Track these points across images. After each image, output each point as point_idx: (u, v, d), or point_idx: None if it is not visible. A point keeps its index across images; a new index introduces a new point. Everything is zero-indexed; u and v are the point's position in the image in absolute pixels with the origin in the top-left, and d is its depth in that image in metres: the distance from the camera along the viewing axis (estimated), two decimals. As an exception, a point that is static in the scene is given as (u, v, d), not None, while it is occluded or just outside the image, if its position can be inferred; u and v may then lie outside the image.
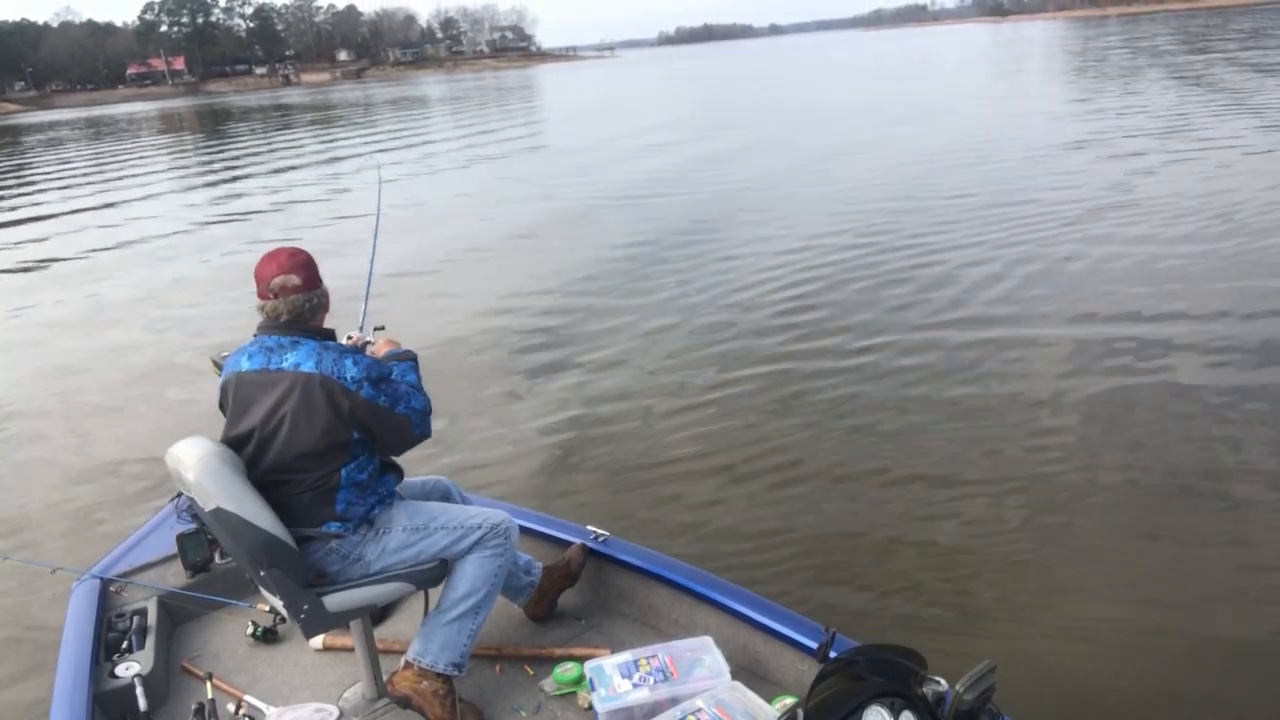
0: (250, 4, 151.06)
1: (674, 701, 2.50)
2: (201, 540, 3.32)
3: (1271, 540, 3.99)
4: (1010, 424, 5.26)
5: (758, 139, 18.97)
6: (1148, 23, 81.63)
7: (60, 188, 22.70)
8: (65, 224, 16.55)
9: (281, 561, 2.43)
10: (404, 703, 2.67)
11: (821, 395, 5.90)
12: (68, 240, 14.80)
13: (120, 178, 23.94)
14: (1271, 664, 3.27)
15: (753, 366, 6.49)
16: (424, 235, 12.29)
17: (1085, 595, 3.72)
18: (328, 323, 2.69)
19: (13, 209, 19.53)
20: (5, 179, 26.63)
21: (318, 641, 3.07)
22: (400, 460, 2.79)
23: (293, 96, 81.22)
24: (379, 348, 2.89)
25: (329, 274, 2.68)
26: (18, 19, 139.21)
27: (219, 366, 3.16)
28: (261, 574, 2.44)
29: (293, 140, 31.82)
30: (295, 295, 2.55)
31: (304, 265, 2.58)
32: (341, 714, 2.76)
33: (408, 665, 2.69)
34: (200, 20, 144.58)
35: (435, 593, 2.75)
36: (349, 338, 2.98)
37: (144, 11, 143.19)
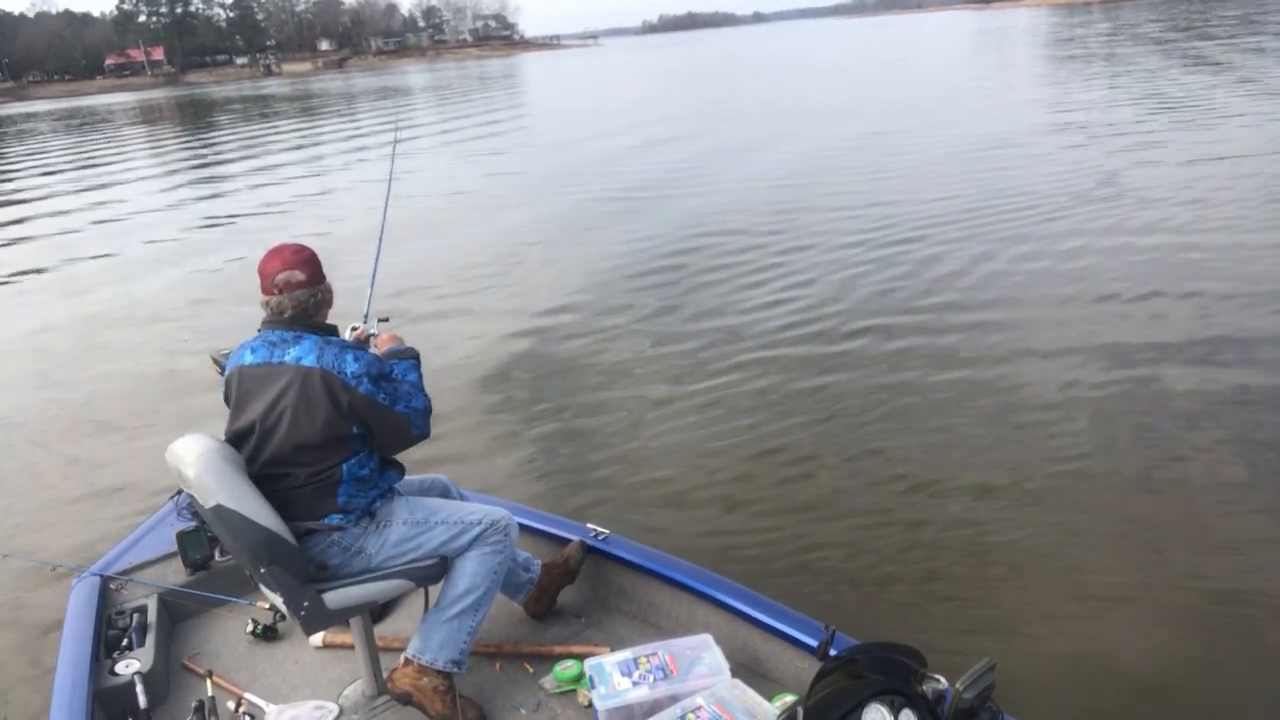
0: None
1: (674, 699, 2.51)
2: (201, 538, 3.32)
3: (1274, 539, 3.99)
4: (1011, 423, 5.25)
5: (749, 139, 18.90)
6: (1131, 9, 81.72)
7: (41, 177, 22.48)
8: (54, 220, 16.46)
9: (282, 559, 2.44)
10: (404, 699, 2.68)
11: (818, 393, 5.89)
12: (63, 238, 14.72)
13: (100, 168, 23.72)
14: (1272, 663, 3.28)
15: (750, 365, 6.48)
16: (416, 234, 12.24)
17: (1086, 594, 3.72)
18: (330, 318, 2.71)
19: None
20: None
21: (317, 639, 3.08)
22: (399, 458, 2.80)
23: (274, 87, 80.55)
24: (382, 342, 2.91)
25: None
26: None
27: (219, 364, 3.16)
28: (262, 571, 2.44)
29: (276, 131, 31.59)
30: (299, 291, 2.57)
31: (308, 261, 2.60)
32: (341, 711, 2.77)
33: (407, 662, 2.69)
34: (179, 10, 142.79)
35: (435, 590, 2.76)
36: (353, 329, 2.99)
37: (121, 2, 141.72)
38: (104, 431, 6.44)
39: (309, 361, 2.51)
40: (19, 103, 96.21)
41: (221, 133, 33.64)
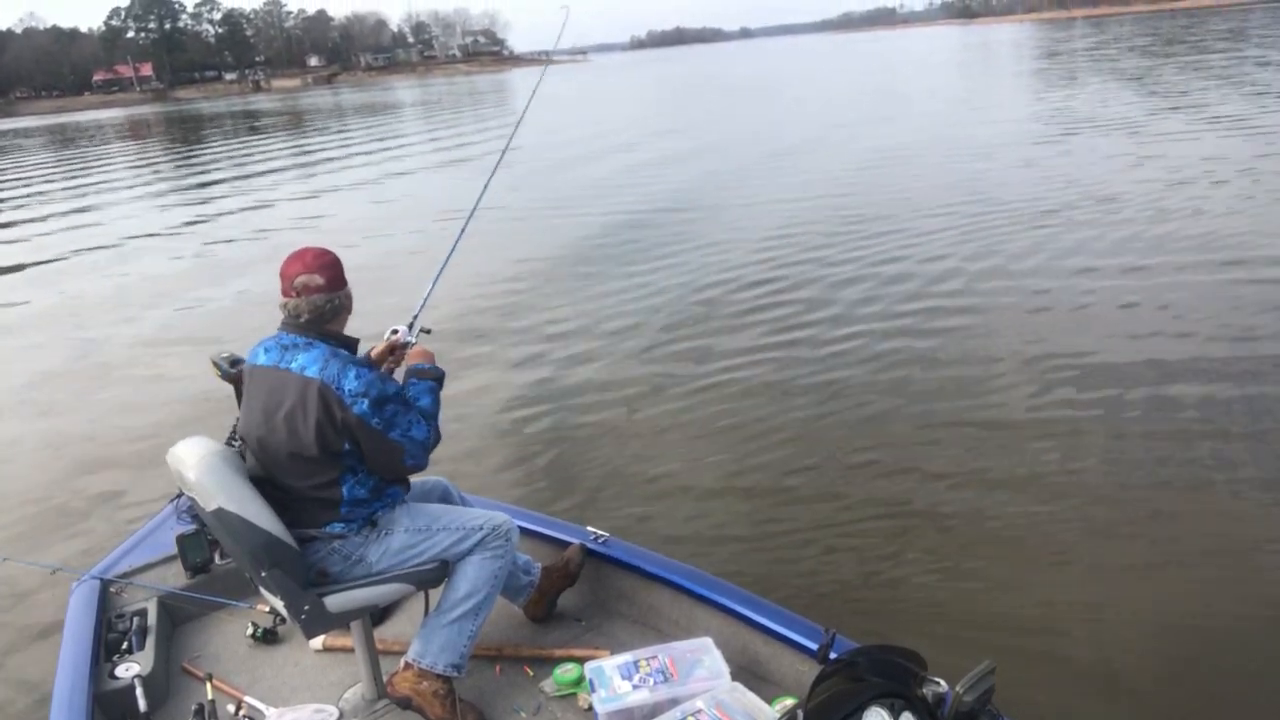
0: (219, 9, 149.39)
1: (674, 702, 2.51)
2: (201, 541, 3.32)
3: (1276, 536, 4.00)
4: (1011, 423, 5.26)
5: (744, 161, 19.04)
6: (1115, 25, 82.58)
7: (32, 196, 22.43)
8: (49, 233, 16.44)
9: (283, 562, 2.44)
10: (404, 703, 2.68)
11: (815, 397, 5.90)
12: (55, 249, 14.74)
13: (87, 185, 23.69)
14: (1274, 664, 3.28)
15: (747, 370, 6.49)
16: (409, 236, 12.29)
17: (1086, 596, 3.72)
18: (379, 321, 2.71)
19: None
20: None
21: (318, 642, 3.08)
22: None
23: (264, 103, 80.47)
24: (414, 354, 2.85)
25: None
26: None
27: (219, 367, 3.17)
28: (263, 574, 2.45)
29: (267, 148, 31.54)
30: (316, 295, 2.55)
31: (329, 266, 2.58)
32: (341, 715, 2.77)
33: (407, 666, 2.69)
34: (168, 26, 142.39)
35: (435, 593, 2.76)
36: (392, 332, 2.94)
37: (110, 17, 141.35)
38: (104, 433, 6.44)
39: (312, 372, 2.49)
40: (6, 119, 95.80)
41: (212, 148, 33.58)
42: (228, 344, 3.83)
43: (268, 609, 3.17)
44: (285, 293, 2.58)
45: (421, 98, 65.67)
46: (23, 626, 4.14)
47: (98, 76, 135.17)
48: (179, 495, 3.31)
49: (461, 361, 7.04)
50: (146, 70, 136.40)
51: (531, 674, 2.92)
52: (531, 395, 6.41)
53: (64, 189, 23.41)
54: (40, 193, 23.12)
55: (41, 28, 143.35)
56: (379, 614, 3.18)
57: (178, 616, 3.30)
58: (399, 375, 2.83)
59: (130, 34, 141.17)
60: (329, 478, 2.55)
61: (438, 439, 2.66)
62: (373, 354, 2.87)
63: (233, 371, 3.18)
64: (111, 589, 3.26)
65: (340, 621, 2.61)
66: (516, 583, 3.08)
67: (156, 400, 6.97)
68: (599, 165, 18.83)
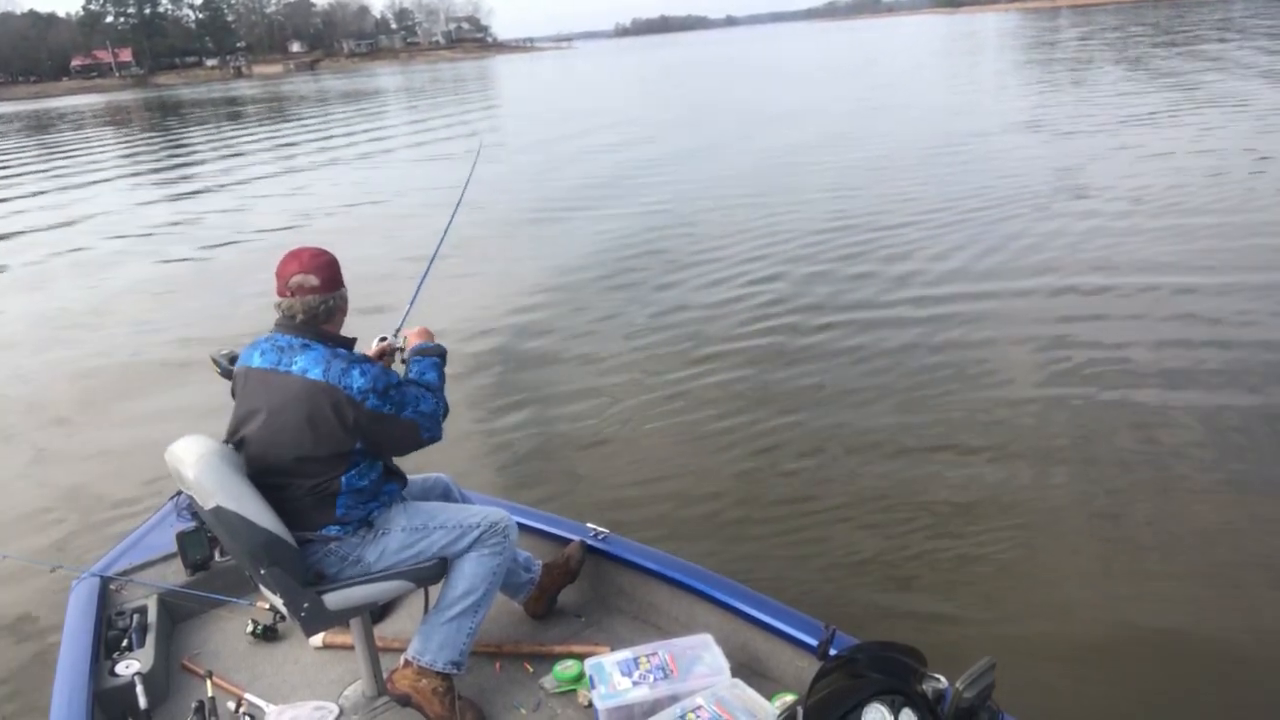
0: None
1: (674, 699, 2.51)
2: (201, 538, 3.32)
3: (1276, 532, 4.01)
4: (1010, 421, 5.25)
5: (724, 139, 19.01)
6: (1100, 14, 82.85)
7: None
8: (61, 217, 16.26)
9: (282, 560, 2.44)
10: (404, 701, 2.68)
11: (814, 390, 5.91)
12: (62, 234, 14.59)
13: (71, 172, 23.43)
14: (1274, 659, 3.29)
15: (744, 365, 6.49)
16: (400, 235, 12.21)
17: (1086, 593, 3.72)
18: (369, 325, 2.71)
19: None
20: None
21: (317, 639, 3.07)
22: (401, 465, 2.80)
23: (245, 89, 79.84)
24: (411, 336, 2.87)
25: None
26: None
27: (218, 364, 3.16)
28: (262, 572, 2.44)
29: (250, 134, 31.30)
30: (311, 296, 2.54)
31: (325, 266, 2.57)
32: (341, 712, 2.77)
33: (407, 664, 2.69)
34: (147, 11, 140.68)
35: (435, 590, 2.76)
36: (380, 340, 2.95)
37: (88, 2, 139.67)
38: (102, 431, 6.43)
39: (315, 375, 2.48)
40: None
41: (192, 135, 33.29)
42: (226, 341, 3.82)
43: (268, 606, 3.17)
44: (280, 292, 2.56)
45: (404, 84, 65.24)
46: (22, 624, 4.14)
47: (76, 62, 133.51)
48: (179, 493, 3.30)
49: (459, 363, 7.04)
50: (126, 56, 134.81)
51: (531, 670, 2.93)
52: (532, 394, 6.41)
53: (43, 174, 23.15)
54: (22, 177, 22.87)
55: (18, 12, 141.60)
56: (379, 611, 3.18)
57: (178, 614, 3.30)
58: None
59: (109, 19, 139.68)
60: (330, 475, 2.54)
61: (446, 410, 2.69)
62: (369, 354, 2.87)
63: (232, 369, 3.16)
64: (111, 586, 3.26)
65: (340, 619, 2.61)
66: (517, 580, 3.08)
67: (154, 398, 6.95)
68: (585, 157, 18.73)
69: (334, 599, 2.55)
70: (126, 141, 33.51)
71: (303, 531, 2.55)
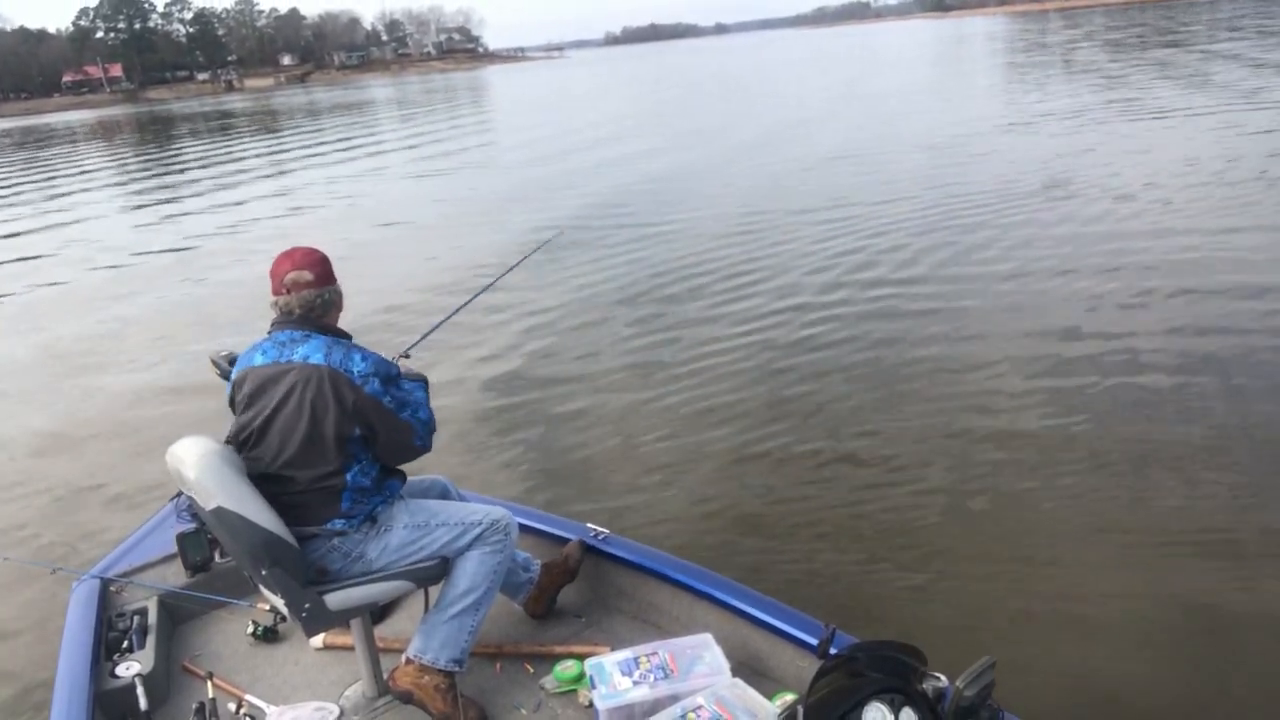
0: (189, 9, 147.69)
1: (674, 699, 2.51)
2: (202, 539, 3.32)
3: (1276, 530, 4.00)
4: (1013, 418, 5.25)
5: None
6: (1089, 16, 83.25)
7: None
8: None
9: (283, 560, 2.44)
10: (405, 698, 2.69)
11: (812, 390, 5.91)
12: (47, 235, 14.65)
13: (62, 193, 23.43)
14: (1274, 661, 3.29)
15: (741, 363, 6.50)
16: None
17: (1086, 590, 3.72)
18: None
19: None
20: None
21: (318, 640, 3.08)
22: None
23: (237, 103, 79.80)
24: (402, 362, 2.92)
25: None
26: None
27: (218, 365, 3.16)
28: (263, 573, 2.45)
29: (239, 149, 31.24)
30: (306, 291, 2.59)
31: (318, 263, 2.63)
32: (342, 712, 2.77)
33: (409, 661, 2.70)
34: (138, 26, 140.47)
35: (435, 590, 2.76)
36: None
37: (78, 18, 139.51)
38: (103, 433, 6.43)
39: (317, 359, 2.52)
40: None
41: (184, 149, 33.27)
42: (225, 342, 3.84)
43: (268, 607, 3.17)
44: (276, 291, 2.61)
45: (396, 96, 65.25)
46: (23, 626, 4.14)
47: (67, 77, 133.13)
48: (179, 494, 3.31)
49: (456, 362, 7.06)
50: (116, 71, 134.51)
51: (532, 671, 2.93)
52: (531, 395, 6.42)
53: (39, 190, 23.16)
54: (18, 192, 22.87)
55: (8, 29, 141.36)
56: (379, 612, 3.18)
57: (178, 615, 3.30)
58: None
59: (99, 34, 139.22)
60: (334, 467, 2.55)
61: (435, 425, 2.74)
62: None
63: (231, 369, 3.17)
64: (112, 588, 3.26)
65: (340, 619, 2.61)
66: (516, 580, 3.09)
67: (154, 399, 6.95)
68: (576, 158, 18.80)
69: (335, 599, 2.55)
70: (116, 157, 33.48)
71: (307, 527, 2.56)
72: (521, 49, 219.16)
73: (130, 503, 5.24)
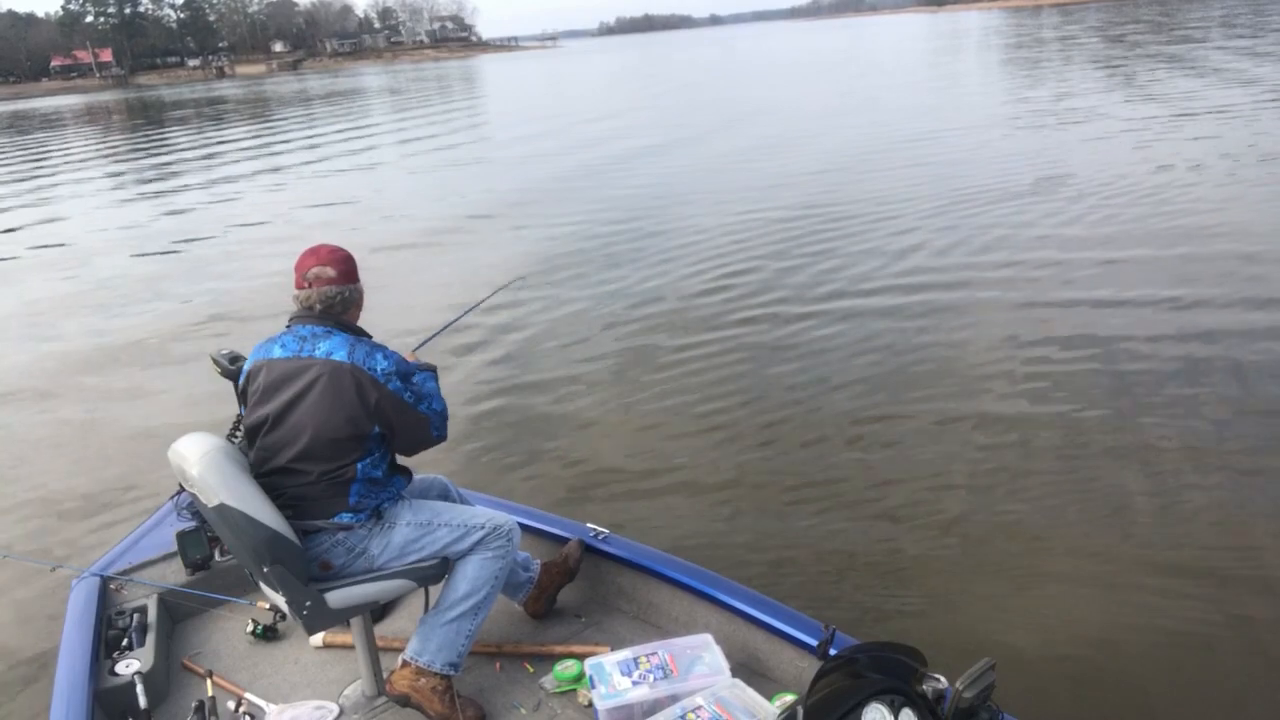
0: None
1: (674, 699, 2.52)
2: (201, 538, 3.32)
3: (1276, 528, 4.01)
4: (1014, 418, 5.25)
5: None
6: (1084, 11, 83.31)
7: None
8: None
9: (285, 558, 2.44)
10: (403, 701, 2.70)
11: (812, 390, 5.91)
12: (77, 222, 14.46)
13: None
14: (1274, 660, 3.29)
15: (742, 358, 6.50)
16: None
17: (1087, 593, 3.72)
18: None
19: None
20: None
21: (318, 639, 3.08)
22: (408, 464, 2.83)
23: (228, 89, 79.40)
24: (410, 355, 2.93)
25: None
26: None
27: (219, 364, 3.16)
28: (264, 570, 2.45)
29: (232, 137, 31.06)
30: (328, 286, 2.62)
31: (342, 260, 2.66)
32: (341, 711, 2.78)
33: (405, 664, 2.71)
34: (128, 11, 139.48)
35: (435, 590, 2.77)
36: None
37: (68, 2, 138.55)
38: (102, 430, 6.41)
39: (339, 356, 2.55)
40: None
41: (174, 136, 33.06)
42: (226, 339, 3.83)
43: (268, 606, 3.17)
44: (299, 285, 2.65)
45: (389, 84, 64.94)
46: (23, 624, 4.13)
47: (56, 62, 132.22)
48: (179, 492, 3.31)
49: (456, 363, 7.07)
50: (106, 56, 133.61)
51: (531, 670, 2.93)
52: (530, 397, 6.41)
53: (25, 177, 22.98)
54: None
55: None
56: (379, 611, 3.19)
57: (178, 613, 3.30)
58: None
59: (89, 19, 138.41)
60: (347, 461, 2.57)
61: (448, 414, 2.79)
62: None
63: (232, 368, 3.18)
64: (111, 586, 3.27)
65: (341, 618, 2.61)
66: (515, 579, 3.09)
67: (156, 396, 6.94)
68: (572, 155, 18.75)
69: (336, 598, 2.56)
70: (121, 142, 33.26)
71: (314, 520, 2.57)
72: (515, 39, 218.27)
73: (130, 501, 5.24)
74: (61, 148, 31.92)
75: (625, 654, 2.73)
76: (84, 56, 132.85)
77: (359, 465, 2.60)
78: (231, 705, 2.80)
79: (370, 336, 2.71)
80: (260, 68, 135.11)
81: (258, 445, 2.61)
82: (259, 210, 15.15)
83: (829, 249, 9.33)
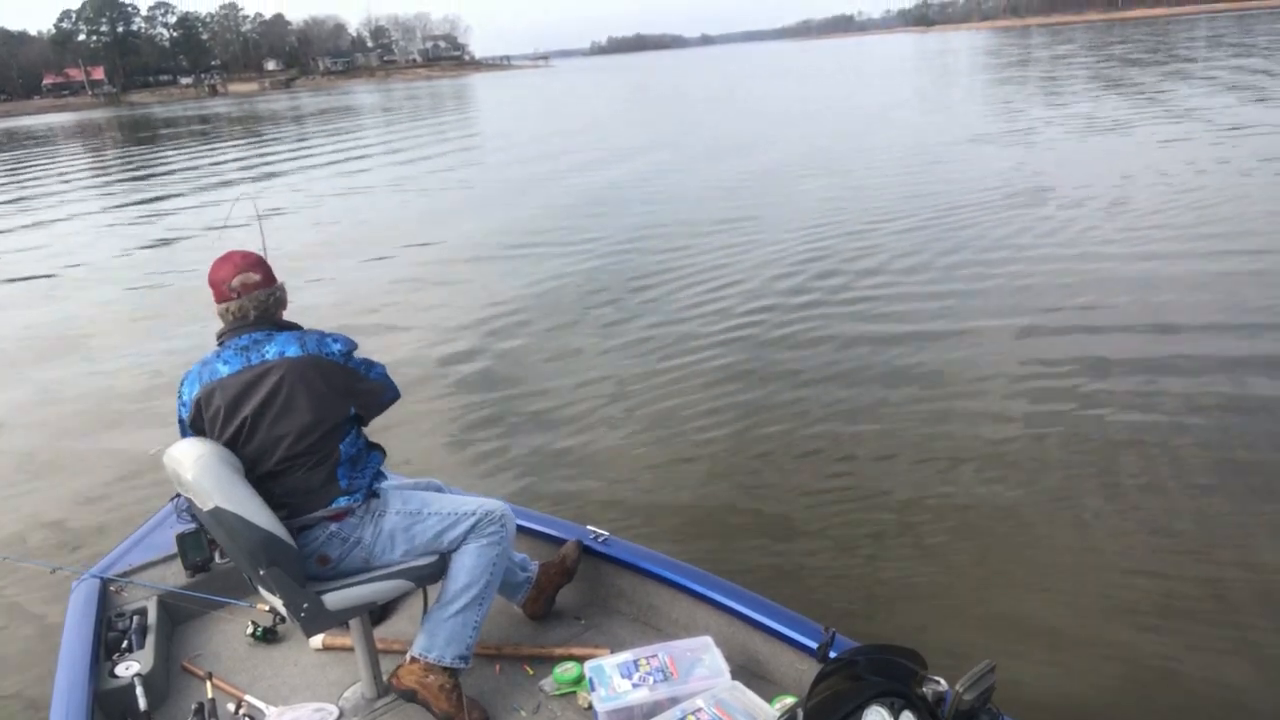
0: (174, 13, 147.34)
1: (674, 701, 2.51)
2: (201, 540, 3.32)
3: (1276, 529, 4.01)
4: (1009, 424, 5.26)
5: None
6: (1071, 32, 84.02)
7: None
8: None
9: (281, 560, 2.44)
10: (409, 696, 2.68)
11: (811, 391, 5.92)
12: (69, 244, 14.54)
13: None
14: (1274, 660, 3.28)
15: (742, 358, 6.51)
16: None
17: (1088, 595, 3.72)
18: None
19: None
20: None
21: (317, 641, 3.08)
22: (385, 466, 2.85)
23: (220, 107, 79.45)
24: None
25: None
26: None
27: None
28: (261, 573, 2.45)
29: (226, 155, 31.01)
30: (258, 291, 2.61)
31: (259, 263, 2.65)
32: (341, 713, 2.77)
33: (413, 660, 2.69)
34: (121, 29, 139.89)
35: (434, 591, 2.77)
36: None
37: (60, 20, 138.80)
38: (103, 434, 6.41)
39: (293, 352, 2.55)
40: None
41: (166, 154, 33.04)
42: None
43: (267, 608, 3.17)
44: (223, 297, 2.61)
45: (382, 103, 65.03)
46: (22, 625, 4.13)
47: (48, 80, 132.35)
48: (178, 495, 3.30)
49: (448, 362, 7.07)
50: (98, 74, 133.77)
51: (531, 673, 2.93)
52: (529, 399, 6.41)
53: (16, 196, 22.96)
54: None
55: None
56: (378, 613, 3.18)
57: (177, 615, 3.30)
58: None
59: (81, 37, 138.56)
60: (330, 447, 2.59)
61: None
62: None
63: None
64: (111, 588, 3.26)
65: (339, 619, 2.61)
66: (514, 579, 3.09)
67: (154, 399, 6.92)
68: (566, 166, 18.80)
69: (334, 599, 2.55)
70: (114, 161, 33.16)
71: (310, 514, 2.57)
72: (507, 57, 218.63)
73: (129, 503, 5.23)
74: (49, 164, 31.85)
75: (625, 656, 2.72)
76: (76, 74, 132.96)
77: (340, 447, 2.62)
78: (231, 707, 2.80)
79: (303, 328, 2.70)
80: (253, 86, 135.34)
81: (240, 457, 2.60)
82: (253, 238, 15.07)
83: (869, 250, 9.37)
